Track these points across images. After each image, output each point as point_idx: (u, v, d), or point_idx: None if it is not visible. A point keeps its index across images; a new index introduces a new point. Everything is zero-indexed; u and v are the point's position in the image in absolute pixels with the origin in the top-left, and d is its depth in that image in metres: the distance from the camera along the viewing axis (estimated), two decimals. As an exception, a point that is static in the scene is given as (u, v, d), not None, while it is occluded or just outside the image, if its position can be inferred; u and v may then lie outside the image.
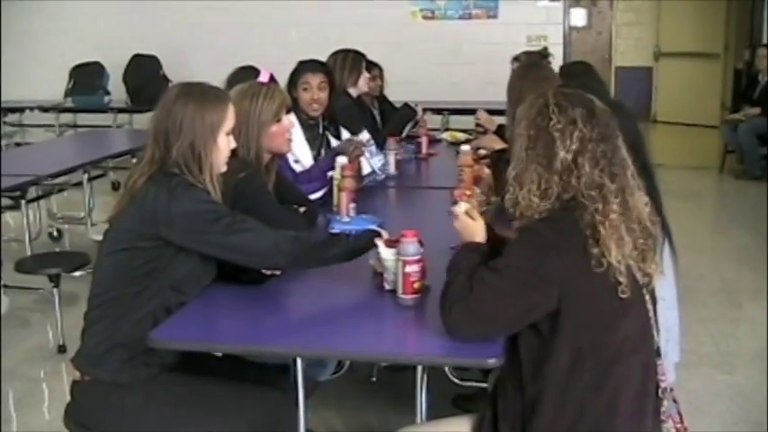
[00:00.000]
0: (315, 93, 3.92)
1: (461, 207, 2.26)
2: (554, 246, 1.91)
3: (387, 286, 2.43)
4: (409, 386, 2.53)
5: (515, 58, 5.17)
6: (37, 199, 5.60)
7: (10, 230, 6.12)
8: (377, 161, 3.88)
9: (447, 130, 6.25)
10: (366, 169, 3.85)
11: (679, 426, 2.09)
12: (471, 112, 5.49)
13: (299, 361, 2.37)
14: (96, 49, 9.33)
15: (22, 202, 5.04)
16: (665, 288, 2.57)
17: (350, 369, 3.55)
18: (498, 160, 3.29)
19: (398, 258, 2.32)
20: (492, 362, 1.95)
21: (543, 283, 1.89)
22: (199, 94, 2.39)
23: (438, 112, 7.56)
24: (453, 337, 1.99)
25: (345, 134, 4.26)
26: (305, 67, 4.00)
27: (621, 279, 1.90)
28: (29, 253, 5.02)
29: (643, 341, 2.02)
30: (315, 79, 3.93)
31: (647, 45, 12.70)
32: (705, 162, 9.25)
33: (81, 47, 9.43)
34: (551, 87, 2.19)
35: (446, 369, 3.44)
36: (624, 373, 1.96)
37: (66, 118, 9.11)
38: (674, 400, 2.11)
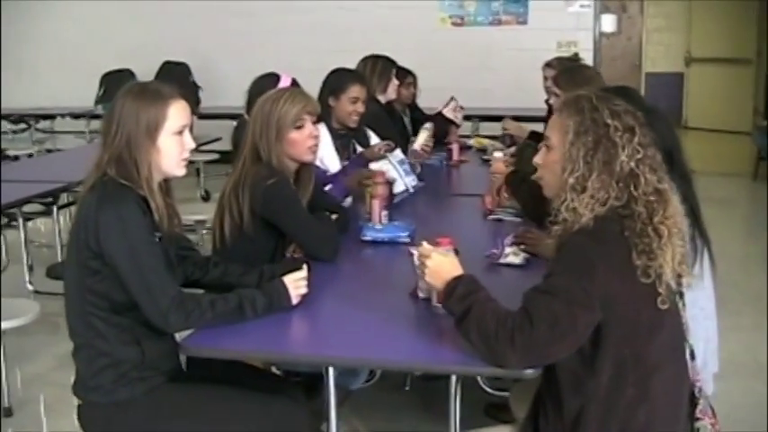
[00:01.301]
0: (361, 106, 3.87)
1: (426, 246, 2.18)
2: (598, 259, 1.85)
3: (421, 294, 2.40)
4: (441, 395, 2.49)
5: (547, 64, 5.15)
6: (68, 205, 5.61)
7: (41, 236, 6.18)
8: (410, 180, 3.79)
9: (476, 136, 6.21)
10: (399, 187, 3.75)
11: (713, 420, 2.07)
12: (501, 118, 5.47)
13: (330, 370, 2.33)
14: (126, 57, 9.41)
15: (54, 208, 5.10)
16: (704, 298, 2.53)
17: (382, 377, 3.53)
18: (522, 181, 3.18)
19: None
20: (530, 372, 1.91)
21: (590, 298, 1.83)
22: (137, 92, 2.22)
23: (468, 118, 7.51)
24: (510, 368, 1.89)
25: (374, 138, 4.24)
26: (353, 78, 3.93)
27: (661, 290, 1.86)
28: (60, 259, 5.05)
29: (679, 348, 2.01)
30: (363, 92, 3.88)
31: (678, 51, 12.59)
32: (737, 169, 9.15)
33: (111, 54, 9.51)
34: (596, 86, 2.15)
35: (479, 378, 3.41)
36: (662, 383, 1.92)
37: (97, 125, 9.14)
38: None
